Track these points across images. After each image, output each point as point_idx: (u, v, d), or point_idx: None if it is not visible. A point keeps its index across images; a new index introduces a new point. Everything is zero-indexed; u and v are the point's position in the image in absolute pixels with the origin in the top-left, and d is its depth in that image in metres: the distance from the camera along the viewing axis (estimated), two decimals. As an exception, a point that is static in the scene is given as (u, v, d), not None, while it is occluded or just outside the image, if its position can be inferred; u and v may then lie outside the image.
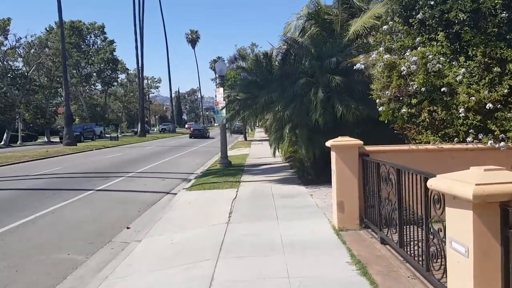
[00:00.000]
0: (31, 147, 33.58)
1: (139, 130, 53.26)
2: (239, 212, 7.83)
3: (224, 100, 14.95)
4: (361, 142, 6.20)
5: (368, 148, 6.26)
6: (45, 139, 44.21)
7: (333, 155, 6.30)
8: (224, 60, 16.33)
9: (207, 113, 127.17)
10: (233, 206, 8.40)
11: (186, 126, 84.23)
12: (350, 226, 6.16)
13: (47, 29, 50.49)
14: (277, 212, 7.57)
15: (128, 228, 7.66)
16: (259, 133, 46.69)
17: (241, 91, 11.87)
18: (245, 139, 36.62)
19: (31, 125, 46.29)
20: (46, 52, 47.17)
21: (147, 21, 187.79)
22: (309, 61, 10.46)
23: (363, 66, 7.43)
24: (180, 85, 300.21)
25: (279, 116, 10.44)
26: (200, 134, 41.83)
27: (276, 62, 11.77)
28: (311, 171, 11.11)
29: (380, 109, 7.14)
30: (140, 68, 56.73)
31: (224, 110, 14.01)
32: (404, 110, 6.79)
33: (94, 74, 59.67)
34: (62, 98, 42.56)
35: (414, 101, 6.75)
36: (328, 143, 6.36)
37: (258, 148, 25.48)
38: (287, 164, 14.68)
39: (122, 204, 9.75)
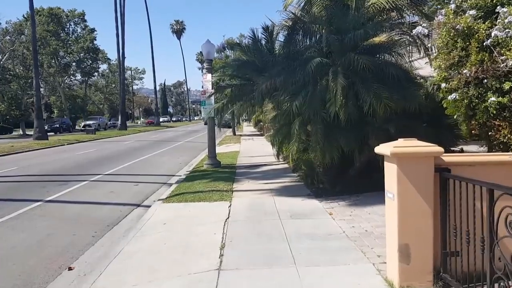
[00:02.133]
0: (1, 140, 30.52)
1: (119, 123, 50.33)
2: (235, 245, 5.40)
3: (213, 88, 12.40)
4: (440, 149, 3.82)
5: (447, 158, 3.90)
6: (21, 132, 41.31)
7: (392, 168, 3.90)
8: (212, 43, 13.53)
9: (194, 106, 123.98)
10: (226, 233, 5.96)
11: (147, 121, 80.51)
12: (419, 284, 3.82)
13: (25, 16, 47.01)
14: (291, 247, 5.16)
15: (70, 269, 5.18)
16: (248, 127, 44.18)
17: (234, 74, 9.35)
18: (234, 134, 34.08)
19: (7, 117, 43.04)
20: (21, 39, 43.84)
21: (131, 11, 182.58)
22: (325, 36, 8.01)
23: (426, 31, 5.03)
24: (166, 78, 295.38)
25: (285, 108, 7.98)
26: None
27: (281, 39, 9.26)
28: (324, 178, 8.72)
29: (452, 96, 4.76)
30: (121, 57, 53.63)
31: (212, 99, 11.47)
32: (492, 99, 4.43)
33: (74, 64, 56.72)
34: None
35: (507, 85, 4.41)
36: (384, 150, 3.94)
37: (250, 144, 23.03)
38: (287, 165, 12.26)
39: (74, 224, 7.20)
